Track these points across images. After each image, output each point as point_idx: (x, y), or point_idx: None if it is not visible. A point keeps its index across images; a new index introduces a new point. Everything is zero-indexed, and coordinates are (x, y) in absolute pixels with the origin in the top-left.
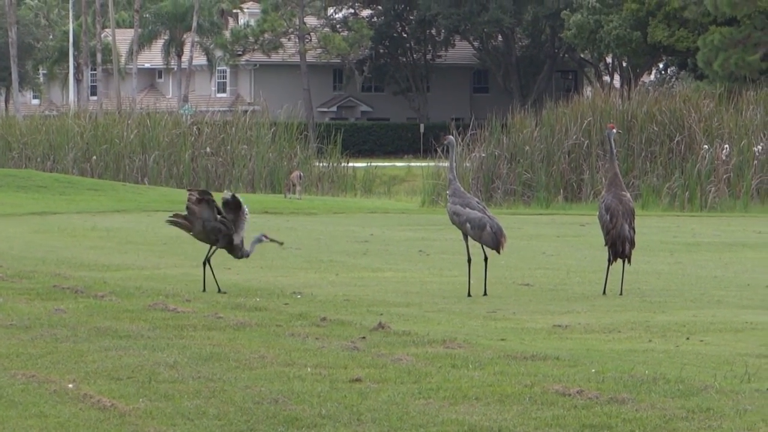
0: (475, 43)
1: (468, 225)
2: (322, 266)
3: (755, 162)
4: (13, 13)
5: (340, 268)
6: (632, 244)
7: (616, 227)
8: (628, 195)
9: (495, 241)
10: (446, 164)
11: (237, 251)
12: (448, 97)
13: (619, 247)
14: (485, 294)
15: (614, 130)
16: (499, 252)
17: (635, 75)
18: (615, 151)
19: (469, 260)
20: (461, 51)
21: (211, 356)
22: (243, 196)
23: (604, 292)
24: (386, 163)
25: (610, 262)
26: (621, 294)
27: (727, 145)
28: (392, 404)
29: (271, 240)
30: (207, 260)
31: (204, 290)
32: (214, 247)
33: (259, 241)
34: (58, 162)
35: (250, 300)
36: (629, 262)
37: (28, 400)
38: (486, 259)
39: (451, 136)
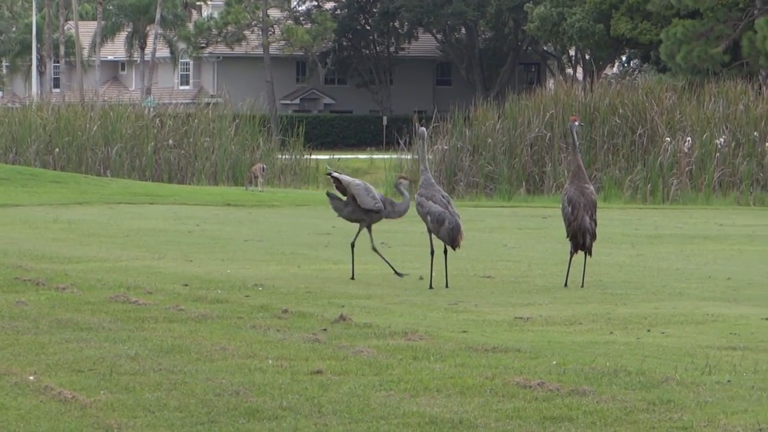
0: (439, 36)
1: (429, 218)
2: (284, 258)
3: (717, 155)
4: None
5: (302, 260)
6: (593, 236)
7: (577, 219)
8: (591, 188)
9: (451, 237)
10: (409, 156)
11: (390, 215)
12: (411, 90)
13: (580, 239)
14: (447, 286)
15: (577, 123)
16: (454, 249)
17: (598, 67)
18: (578, 143)
19: (432, 252)
20: (424, 44)
21: (172, 348)
22: (205, 188)
23: (565, 284)
24: (349, 156)
25: (571, 254)
26: (582, 286)
27: (689, 138)
28: (353, 396)
29: (405, 179)
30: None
31: (353, 278)
32: (361, 230)
33: (401, 186)
34: (21, 154)
35: (212, 292)
36: (590, 254)
37: None
38: (446, 251)
39: (423, 128)
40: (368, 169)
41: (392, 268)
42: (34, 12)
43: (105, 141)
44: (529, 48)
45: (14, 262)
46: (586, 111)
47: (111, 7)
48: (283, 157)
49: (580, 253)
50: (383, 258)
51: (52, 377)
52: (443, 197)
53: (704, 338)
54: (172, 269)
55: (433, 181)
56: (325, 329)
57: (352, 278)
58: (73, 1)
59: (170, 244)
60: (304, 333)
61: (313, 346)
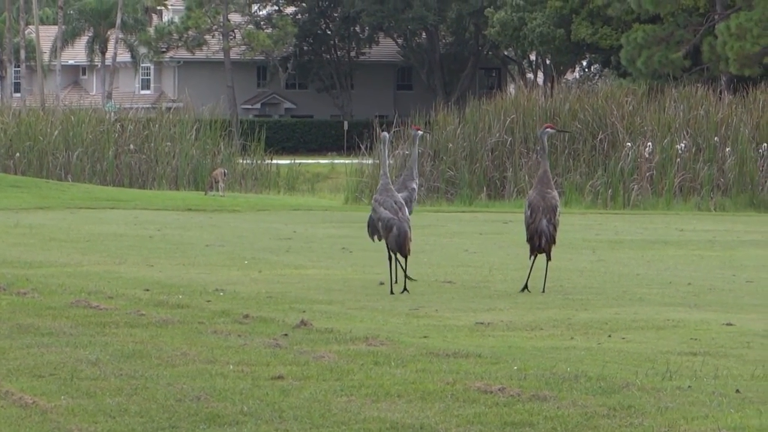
0: (399, 41)
1: (380, 224)
2: (245, 263)
3: (678, 160)
4: None
5: (263, 265)
6: (550, 239)
7: (534, 222)
8: (554, 193)
9: (398, 244)
10: (370, 161)
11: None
12: (372, 95)
13: (536, 241)
14: (404, 291)
15: (550, 130)
16: (402, 256)
17: (559, 72)
18: (547, 150)
19: (390, 258)
20: (385, 48)
21: (134, 353)
22: (166, 193)
23: (525, 288)
24: (310, 161)
25: (530, 257)
26: (543, 291)
27: (650, 143)
28: (314, 401)
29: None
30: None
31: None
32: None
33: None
34: None
35: (173, 297)
36: (549, 257)
37: None
38: (406, 256)
39: (385, 132)
40: (329, 174)
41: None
42: None
43: (66, 145)
44: (490, 53)
45: None
46: (546, 116)
47: (72, 12)
48: (244, 161)
49: (543, 259)
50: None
51: (13, 382)
52: (395, 203)
53: (665, 344)
54: (133, 274)
55: (391, 186)
56: (286, 334)
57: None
58: (34, 6)
59: (131, 249)
60: (265, 338)
61: (274, 351)
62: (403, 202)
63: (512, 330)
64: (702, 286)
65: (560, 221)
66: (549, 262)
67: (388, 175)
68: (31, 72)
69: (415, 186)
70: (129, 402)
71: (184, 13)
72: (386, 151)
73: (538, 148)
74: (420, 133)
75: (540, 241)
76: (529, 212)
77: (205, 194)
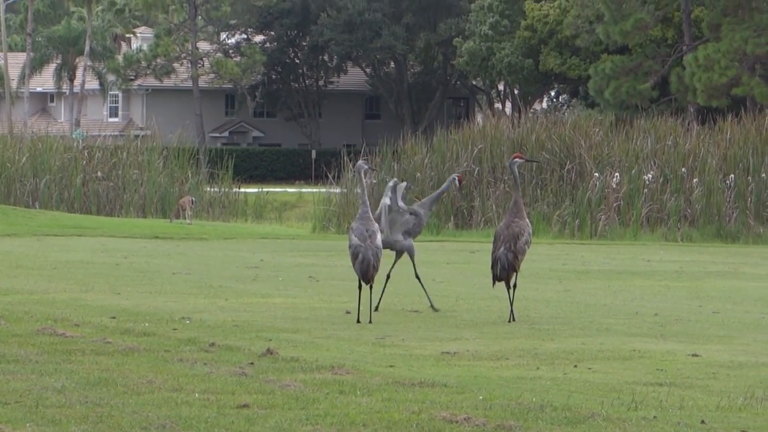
0: (368, 70)
1: (350, 251)
2: (212, 291)
3: (645, 190)
4: None
5: (230, 293)
6: (508, 267)
7: (495, 251)
8: (522, 222)
9: (362, 272)
10: (338, 190)
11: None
12: (340, 124)
13: (494, 269)
14: (370, 321)
15: (518, 160)
16: (365, 283)
17: (527, 102)
18: (518, 180)
19: (360, 286)
20: (353, 77)
21: (99, 381)
22: (133, 221)
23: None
24: (278, 189)
25: (492, 286)
26: (510, 321)
27: (617, 174)
28: (279, 430)
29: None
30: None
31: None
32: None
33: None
34: None
35: (139, 325)
36: (507, 285)
37: None
38: (371, 286)
39: (361, 162)
40: (297, 202)
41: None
42: None
43: (33, 172)
44: (458, 82)
45: None
46: (514, 146)
47: (40, 39)
48: (212, 190)
49: (521, 288)
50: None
51: None
52: (366, 230)
53: (631, 374)
54: (100, 302)
55: (369, 215)
56: (252, 363)
57: (435, 308)
58: (2, 33)
59: (98, 277)
60: (231, 366)
61: (239, 379)
62: (376, 231)
63: (478, 360)
64: (668, 316)
65: (526, 250)
66: (514, 291)
67: (368, 203)
68: None
69: (422, 213)
70: (94, 430)
71: (153, 41)
72: (363, 180)
73: (509, 178)
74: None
75: (495, 270)
76: (493, 241)
77: (170, 221)
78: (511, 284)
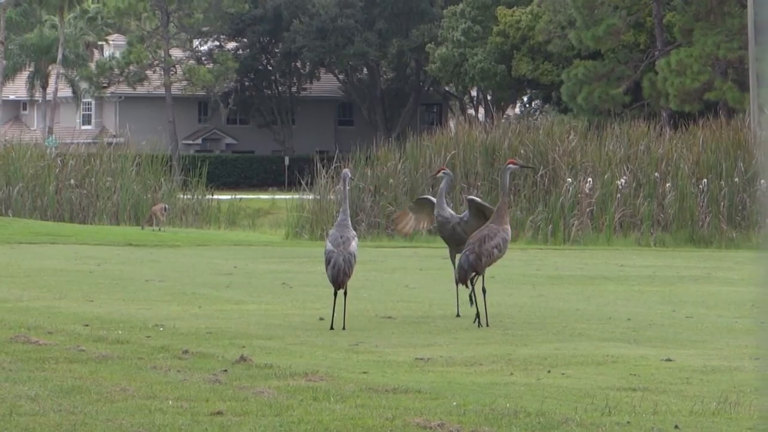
0: (341, 76)
1: (324, 257)
2: (185, 299)
3: (618, 195)
4: None
5: (203, 300)
6: (468, 267)
7: (463, 254)
8: (499, 226)
9: (333, 277)
10: (311, 197)
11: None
12: (313, 130)
13: (455, 272)
14: (344, 328)
15: (512, 166)
16: (336, 289)
17: (499, 108)
18: (507, 186)
19: (335, 293)
20: (326, 84)
21: (73, 389)
22: (107, 228)
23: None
24: (251, 196)
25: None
26: (476, 323)
27: (590, 179)
28: None
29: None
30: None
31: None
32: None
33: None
34: None
35: (113, 333)
36: (465, 285)
37: None
38: (346, 292)
39: (347, 170)
40: (270, 209)
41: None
42: None
43: (6, 180)
44: (431, 88)
45: None
46: (487, 152)
47: (12, 47)
48: (185, 197)
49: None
50: (481, 300)
51: None
52: (341, 237)
53: (604, 379)
54: (73, 309)
55: (347, 222)
56: (225, 370)
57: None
58: None
59: (71, 284)
60: (204, 374)
61: (213, 387)
62: (351, 238)
63: (452, 365)
64: (641, 321)
65: (495, 254)
66: (484, 296)
67: (348, 212)
68: None
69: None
70: None
71: (126, 48)
72: (346, 188)
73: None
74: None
75: (457, 272)
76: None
77: (142, 228)
78: (469, 285)
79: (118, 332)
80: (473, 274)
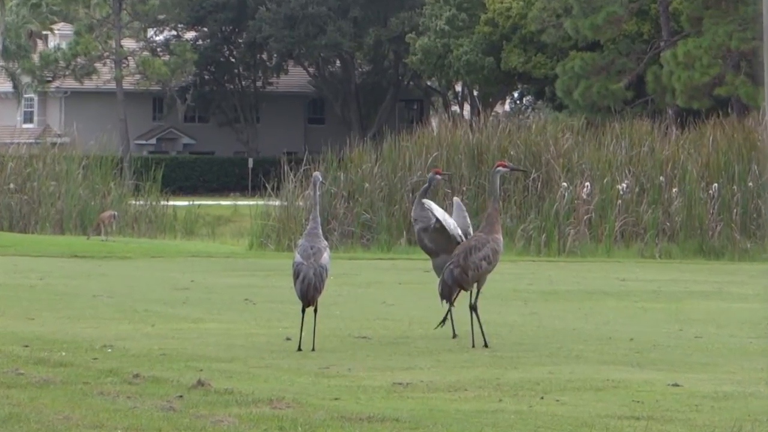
0: (311, 69)
1: (292, 270)
2: (137, 316)
3: (619, 201)
4: None
5: (157, 318)
6: (452, 282)
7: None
8: (488, 236)
9: (302, 292)
10: (277, 203)
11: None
12: (280, 129)
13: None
14: (313, 349)
15: (501, 169)
16: (306, 306)
17: (487, 105)
18: (497, 191)
19: (303, 309)
20: (295, 78)
21: (10, 417)
22: (50, 238)
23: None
24: (211, 202)
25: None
26: (453, 335)
27: (588, 183)
28: None
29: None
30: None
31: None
32: None
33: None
34: None
35: (55, 354)
36: (450, 303)
37: None
38: (316, 309)
39: (318, 173)
40: (232, 216)
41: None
42: None
43: None
44: (411, 83)
45: None
46: (473, 153)
47: None
48: (138, 203)
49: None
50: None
51: None
52: (311, 248)
53: (604, 406)
54: (12, 328)
55: (318, 231)
56: (181, 396)
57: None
58: None
59: (10, 300)
60: (157, 400)
61: (167, 414)
62: (322, 249)
63: (434, 391)
64: (645, 342)
65: (483, 266)
66: (476, 314)
67: (318, 219)
68: None
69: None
70: None
71: (73, 38)
72: (317, 194)
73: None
74: (438, 177)
75: (439, 287)
76: None
77: (88, 238)
78: (454, 302)
79: (61, 354)
80: (458, 290)
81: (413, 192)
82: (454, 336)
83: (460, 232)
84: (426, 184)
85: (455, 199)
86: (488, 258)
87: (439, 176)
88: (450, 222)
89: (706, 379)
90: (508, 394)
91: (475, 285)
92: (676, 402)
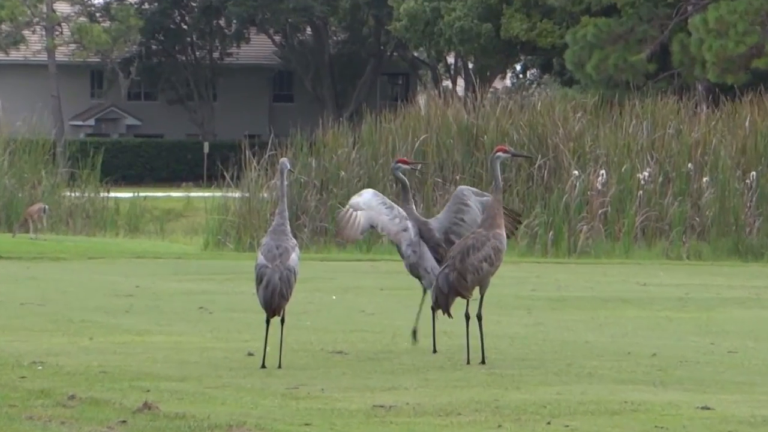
0: (277, 38)
1: (255, 273)
2: (72, 328)
3: (640, 193)
4: None
5: (96, 330)
6: (449, 290)
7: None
8: (489, 232)
9: (265, 300)
10: (237, 194)
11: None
12: (240, 108)
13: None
14: (279, 366)
15: (502, 155)
16: (271, 315)
17: (485, 79)
18: (500, 179)
19: (268, 320)
20: (258, 48)
21: None
22: None
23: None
24: (159, 193)
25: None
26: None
27: (603, 171)
28: None
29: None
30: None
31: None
32: None
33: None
34: None
35: None
36: (448, 314)
37: None
38: (283, 319)
39: (285, 159)
40: (184, 210)
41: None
42: None
43: None
44: (395, 54)
45: None
46: (469, 136)
47: None
48: (73, 194)
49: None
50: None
51: None
52: (277, 248)
53: None
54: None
55: (285, 227)
56: (124, 421)
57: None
58: None
59: None
60: (96, 426)
61: None
62: (290, 249)
63: (421, 415)
64: (670, 357)
65: (484, 269)
66: (480, 323)
67: (285, 213)
68: None
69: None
70: None
71: None
72: (284, 182)
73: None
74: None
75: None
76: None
77: (13, 236)
78: (449, 310)
79: None
80: (455, 298)
81: (397, 182)
82: (435, 351)
83: (411, 234)
84: (400, 185)
85: (461, 188)
86: (490, 258)
87: (405, 166)
88: (386, 222)
89: (741, 401)
90: (509, 419)
91: (477, 290)
92: (706, 428)
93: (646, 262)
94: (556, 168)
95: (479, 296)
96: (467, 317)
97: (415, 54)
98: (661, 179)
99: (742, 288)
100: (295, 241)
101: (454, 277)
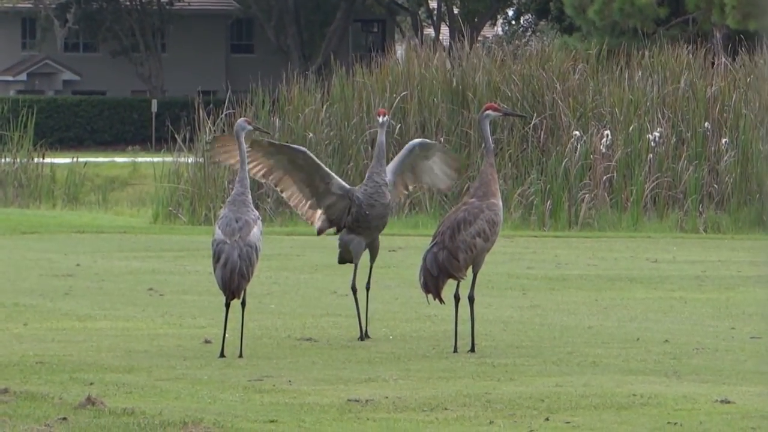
0: None
1: (212, 250)
2: (4, 312)
3: (650, 156)
4: None
5: (31, 315)
6: (439, 272)
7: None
8: (482, 202)
9: (223, 280)
10: (190, 160)
11: None
12: (193, 61)
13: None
14: (241, 355)
15: (491, 113)
16: (230, 297)
17: (473, 27)
18: (490, 142)
19: (227, 303)
20: None
21: None
22: None
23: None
24: (101, 159)
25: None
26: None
27: (608, 132)
28: None
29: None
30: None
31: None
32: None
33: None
34: None
35: None
36: (435, 297)
37: None
38: (244, 302)
39: (242, 120)
40: (130, 178)
41: (360, 326)
42: None
43: None
44: None
45: None
46: (454, 91)
47: None
48: (3, 161)
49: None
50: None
51: None
52: (236, 221)
53: (628, 429)
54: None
55: (246, 197)
56: (64, 418)
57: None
58: None
59: None
60: (32, 424)
61: None
62: (251, 221)
63: (402, 410)
64: (685, 344)
65: (477, 244)
66: (471, 306)
67: (247, 181)
68: None
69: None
70: None
71: None
72: (243, 146)
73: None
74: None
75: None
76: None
77: None
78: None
79: None
80: (446, 280)
81: (373, 144)
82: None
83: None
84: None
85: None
86: (484, 233)
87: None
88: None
89: (765, 394)
90: (501, 415)
91: (470, 268)
92: (726, 424)
93: (657, 235)
94: (554, 128)
95: (472, 275)
96: (456, 299)
97: None
98: (673, 141)
99: (765, 265)
100: (257, 213)
101: (444, 257)
